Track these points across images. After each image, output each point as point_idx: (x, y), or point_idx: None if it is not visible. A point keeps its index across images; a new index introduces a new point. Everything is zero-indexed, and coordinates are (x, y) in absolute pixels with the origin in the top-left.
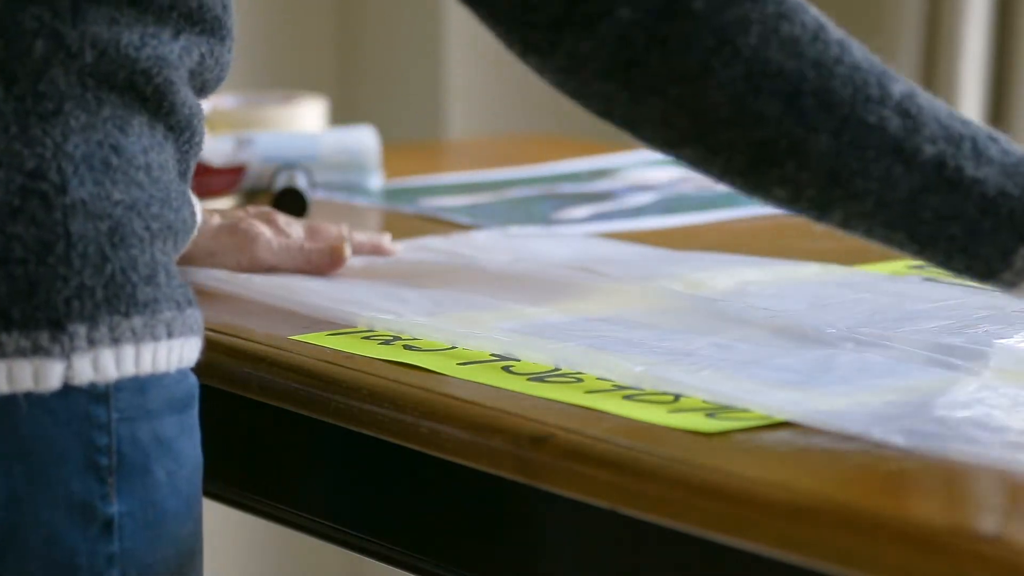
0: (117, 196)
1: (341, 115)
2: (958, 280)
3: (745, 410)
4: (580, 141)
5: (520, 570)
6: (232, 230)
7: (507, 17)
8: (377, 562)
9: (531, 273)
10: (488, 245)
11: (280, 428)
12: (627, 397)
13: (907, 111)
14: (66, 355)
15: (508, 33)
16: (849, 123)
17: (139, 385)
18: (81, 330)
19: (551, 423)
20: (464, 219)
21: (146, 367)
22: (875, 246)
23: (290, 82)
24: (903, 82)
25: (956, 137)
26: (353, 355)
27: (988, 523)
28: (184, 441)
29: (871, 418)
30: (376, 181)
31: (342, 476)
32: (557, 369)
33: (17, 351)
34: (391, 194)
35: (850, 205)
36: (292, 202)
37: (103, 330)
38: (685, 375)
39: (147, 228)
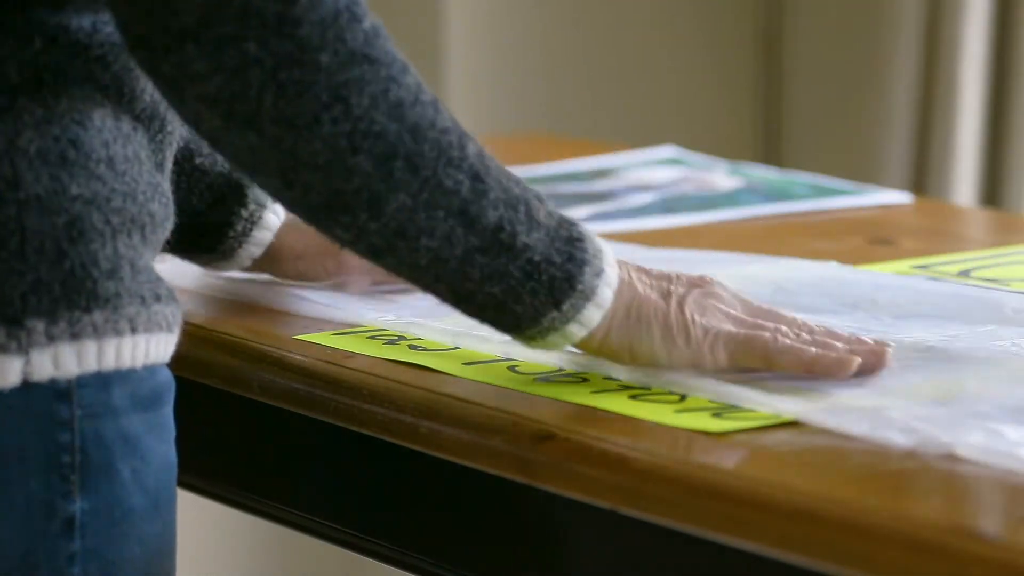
0: (75, 191)
1: None
2: (960, 280)
3: (751, 410)
4: (580, 141)
5: (520, 570)
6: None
7: (143, 8)
8: (377, 562)
9: None
10: None
11: (280, 428)
12: (633, 397)
13: (478, 174)
14: (24, 351)
15: (131, 22)
16: (428, 185)
17: (103, 381)
18: (39, 325)
19: (552, 423)
20: None
21: (109, 363)
22: (875, 246)
23: None
24: (475, 142)
25: (515, 200)
26: (353, 355)
27: (988, 523)
28: (152, 439)
29: (872, 418)
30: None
31: (342, 476)
32: (562, 369)
33: None
34: None
35: (406, 256)
36: None
37: (62, 325)
38: (691, 375)
39: (107, 222)
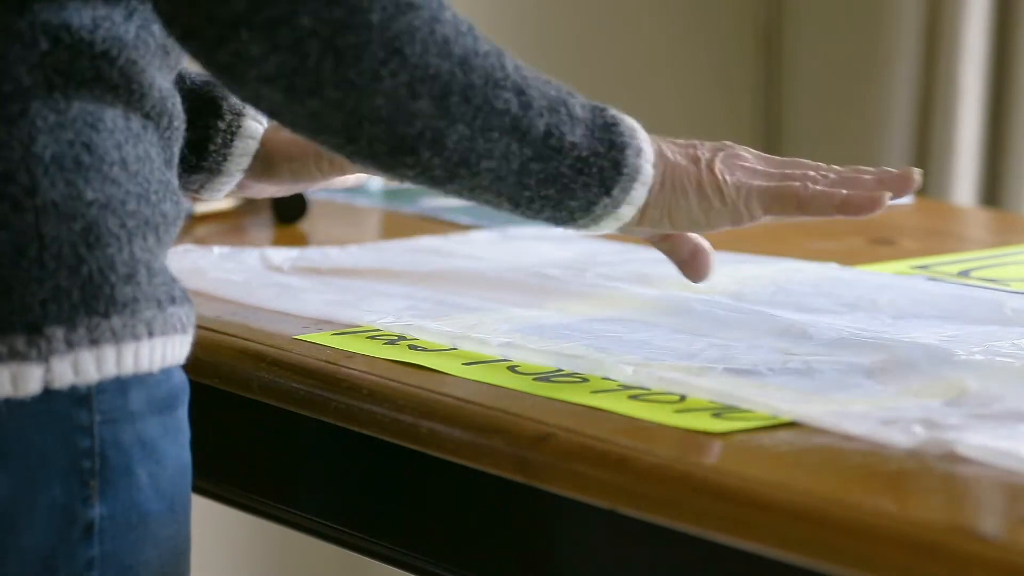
0: (90, 195)
1: None
2: (960, 280)
3: (751, 410)
4: None
5: (520, 570)
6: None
7: (189, 2)
8: (377, 562)
9: (531, 274)
10: (488, 245)
11: (280, 428)
12: (633, 397)
13: (520, 88)
14: (44, 358)
15: (177, 15)
16: (482, 111)
17: (121, 386)
18: (59, 333)
19: (551, 423)
20: (464, 219)
21: (128, 367)
22: (875, 246)
23: None
24: (509, 56)
25: (556, 104)
26: (353, 355)
27: (988, 523)
28: (168, 442)
29: (872, 418)
30: (376, 181)
31: (342, 476)
32: (562, 369)
33: None
34: (391, 194)
35: (468, 181)
36: (292, 202)
37: (81, 332)
38: (690, 375)
39: (123, 226)
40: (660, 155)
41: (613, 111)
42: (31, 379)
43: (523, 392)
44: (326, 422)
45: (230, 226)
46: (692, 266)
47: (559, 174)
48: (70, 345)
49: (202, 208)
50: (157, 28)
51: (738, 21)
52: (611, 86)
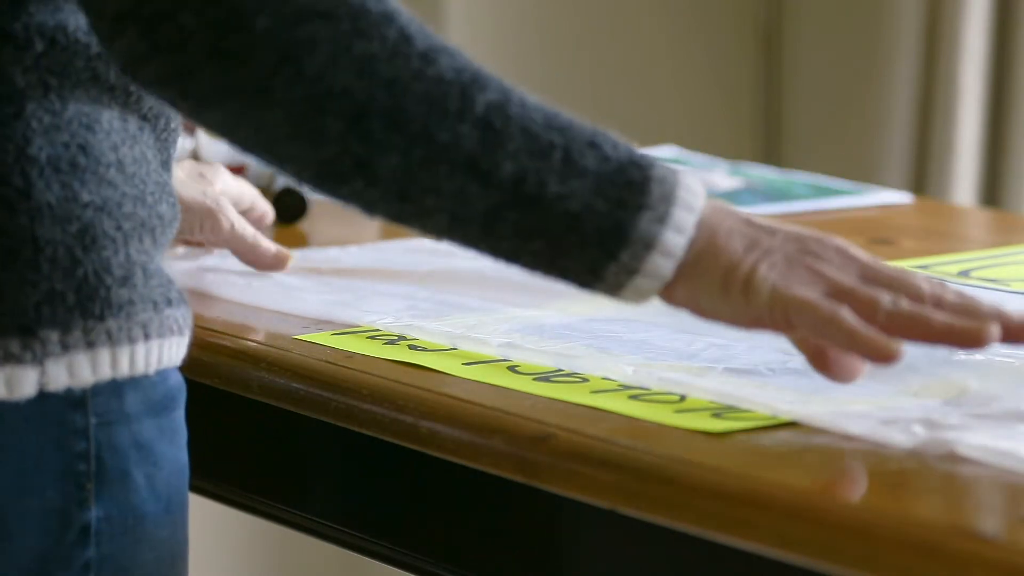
0: (86, 197)
1: None
2: (960, 280)
3: (751, 410)
4: None
5: (520, 570)
6: (197, 200)
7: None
8: (377, 562)
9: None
10: None
11: (280, 428)
12: (633, 397)
13: (490, 124)
14: (39, 361)
15: (86, 8)
16: (419, 142)
17: (116, 389)
18: (53, 335)
19: (551, 423)
20: None
21: (123, 370)
22: (875, 246)
23: None
24: (496, 91)
25: (544, 150)
26: (353, 355)
27: (988, 523)
28: (164, 444)
29: (872, 418)
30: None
31: (342, 476)
32: (562, 369)
33: None
34: None
35: (425, 221)
36: (292, 202)
37: (77, 334)
38: (690, 376)
39: (119, 228)
40: (708, 230)
41: (661, 171)
42: (26, 382)
43: (523, 392)
44: (326, 422)
45: None
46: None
47: (544, 228)
48: (65, 348)
49: None
50: None
51: (738, 21)
52: (611, 86)
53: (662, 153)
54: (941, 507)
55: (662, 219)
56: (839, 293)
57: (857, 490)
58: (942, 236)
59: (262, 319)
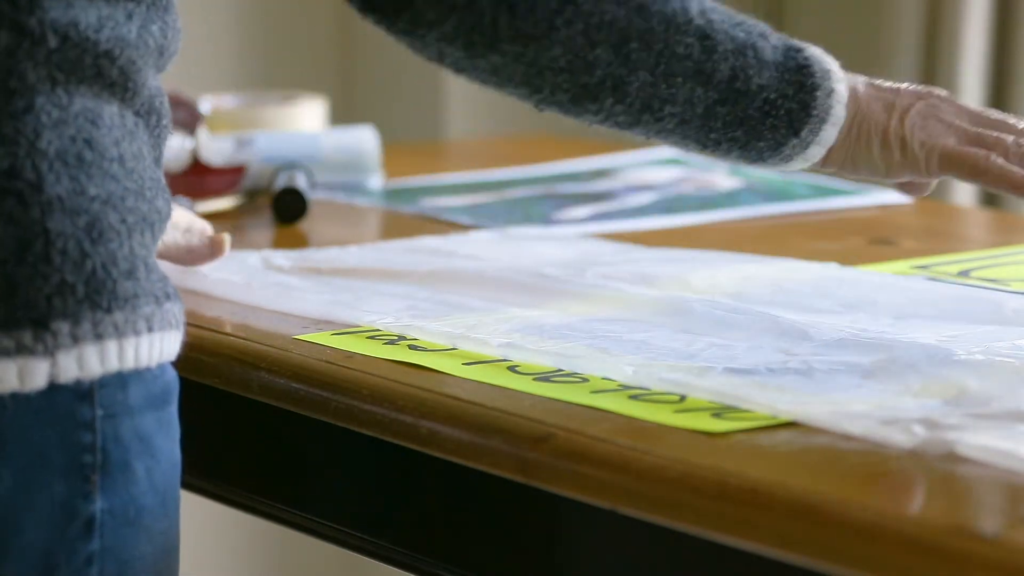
0: (93, 191)
1: (341, 115)
2: (960, 280)
3: (751, 410)
4: (580, 141)
5: (520, 570)
6: None
7: None
8: (376, 561)
9: (531, 274)
10: (488, 245)
11: (280, 428)
12: (633, 397)
13: (704, 32)
14: (50, 353)
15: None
16: (663, 57)
17: (121, 381)
18: (64, 327)
19: (551, 423)
20: (464, 219)
21: (129, 362)
22: (875, 246)
23: (290, 82)
24: None
25: (743, 47)
26: (353, 355)
27: (988, 523)
28: (162, 438)
29: (872, 418)
30: (376, 181)
31: (342, 476)
32: (562, 369)
33: (0, 351)
34: (391, 194)
35: (654, 126)
36: (292, 202)
37: (86, 327)
38: (690, 376)
39: (123, 221)
40: (854, 98)
41: (809, 52)
42: (37, 373)
43: (523, 392)
44: (326, 422)
45: (230, 226)
46: None
47: (746, 116)
48: (75, 340)
49: (202, 208)
50: (156, 28)
51: None
52: None
53: (662, 153)
54: (941, 507)
55: (829, 94)
56: (972, 140)
57: (857, 490)
58: (942, 236)
59: (262, 319)
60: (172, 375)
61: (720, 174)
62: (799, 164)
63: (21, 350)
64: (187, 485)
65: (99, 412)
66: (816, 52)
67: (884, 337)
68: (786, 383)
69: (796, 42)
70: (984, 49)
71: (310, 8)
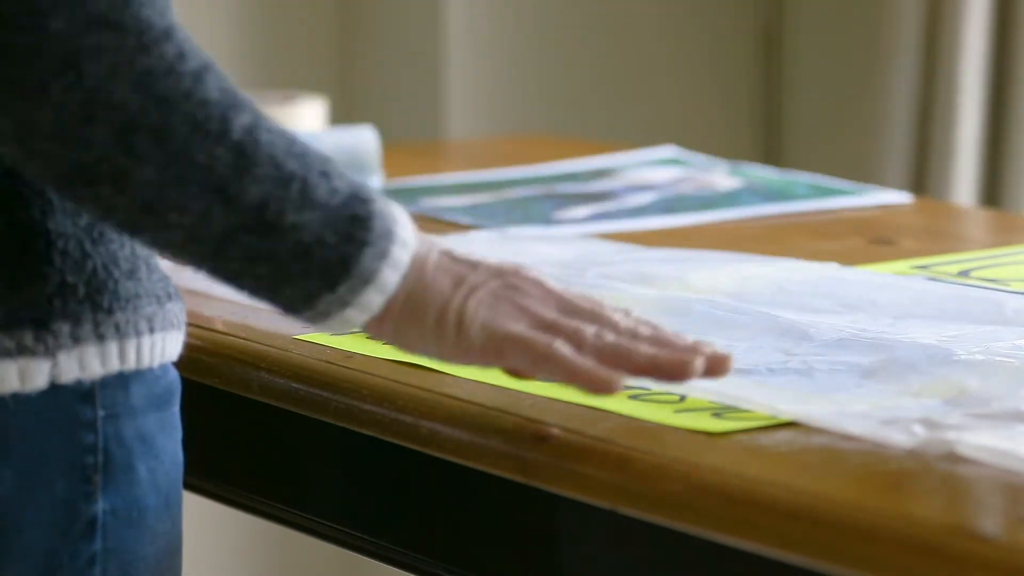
0: None
1: (341, 115)
2: (960, 280)
3: (751, 410)
4: (580, 141)
5: (520, 570)
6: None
7: None
8: (376, 562)
9: None
10: (488, 245)
11: (280, 428)
12: (633, 397)
13: (243, 150)
14: (51, 353)
15: None
16: (176, 160)
17: (123, 381)
18: (65, 328)
19: (551, 423)
20: (464, 219)
21: (130, 363)
22: (875, 246)
23: (290, 82)
24: (251, 113)
25: (287, 178)
26: (353, 355)
27: (988, 523)
28: (164, 438)
29: (872, 418)
30: (376, 181)
31: (341, 476)
32: None
33: (2, 352)
34: (391, 194)
35: (162, 234)
36: None
37: (87, 327)
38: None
39: None
40: (418, 267)
41: (377, 208)
42: (38, 374)
43: (523, 392)
44: (326, 422)
45: None
46: None
47: (273, 254)
48: (76, 340)
49: None
50: None
51: (738, 21)
52: (611, 86)
53: (662, 153)
54: (941, 507)
55: (383, 255)
56: (545, 327)
57: (857, 490)
58: (942, 236)
59: (262, 319)
60: (174, 375)
61: (720, 174)
62: (337, 326)
63: (22, 350)
64: (187, 485)
65: (101, 413)
66: (388, 211)
67: (884, 337)
68: (786, 383)
69: (372, 195)
70: (984, 49)
71: (310, 8)
